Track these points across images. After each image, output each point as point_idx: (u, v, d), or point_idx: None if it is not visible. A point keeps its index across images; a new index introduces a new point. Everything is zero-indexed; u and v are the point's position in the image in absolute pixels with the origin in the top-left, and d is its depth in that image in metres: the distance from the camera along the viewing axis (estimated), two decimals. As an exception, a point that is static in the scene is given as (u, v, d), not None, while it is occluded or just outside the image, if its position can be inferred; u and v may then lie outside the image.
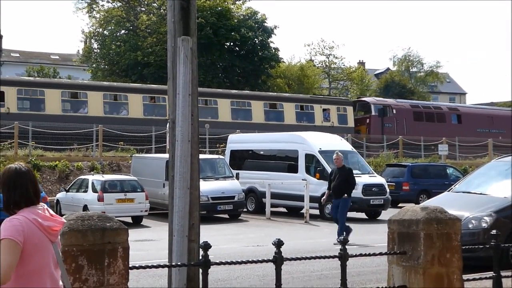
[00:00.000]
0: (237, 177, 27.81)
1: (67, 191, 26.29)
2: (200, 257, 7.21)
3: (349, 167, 20.08)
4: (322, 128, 41.13)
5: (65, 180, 31.35)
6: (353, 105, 49.01)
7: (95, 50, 61.79)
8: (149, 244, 18.40)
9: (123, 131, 36.42)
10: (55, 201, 26.69)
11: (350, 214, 26.55)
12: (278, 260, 7.58)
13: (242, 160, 30.82)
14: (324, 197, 20.09)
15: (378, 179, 27.41)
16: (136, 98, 40.64)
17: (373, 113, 48.40)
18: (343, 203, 18.68)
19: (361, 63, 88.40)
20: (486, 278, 9.42)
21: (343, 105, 48.08)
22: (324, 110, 46.74)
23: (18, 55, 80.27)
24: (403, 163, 35.85)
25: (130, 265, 6.40)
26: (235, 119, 42.99)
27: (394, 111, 48.91)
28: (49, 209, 4.81)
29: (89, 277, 6.06)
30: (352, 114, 47.77)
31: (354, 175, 19.57)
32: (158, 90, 41.86)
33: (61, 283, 4.85)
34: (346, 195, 18.73)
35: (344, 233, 17.50)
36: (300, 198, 25.96)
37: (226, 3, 57.50)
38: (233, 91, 46.58)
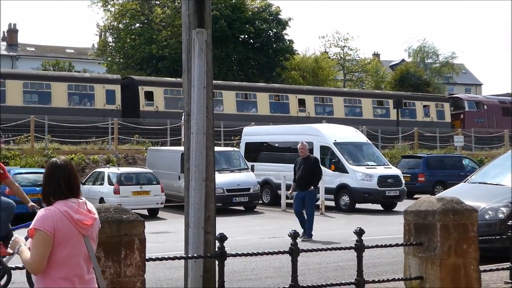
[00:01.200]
0: (252, 169, 27.82)
1: (83, 184, 26.39)
2: (216, 249, 7.23)
3: (315, 157, 19.10)
4: (423, 124, 47.01)
5: (81, 173, 31.47)
6: (449, 101, 51.78)
7: (110, 44, 61.89)
8: (165, 236, 18.45)
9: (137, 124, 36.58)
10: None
11: (366, 206, 26.62)
12: (294, 251, 7.59)
13: (257, 152, 30.82)
14: (290, 189, 18.72)
15: (394, 171, 27.35)
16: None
17: (466, 109, 51.27)
18: (310, 195, 17.62)
19: (376, 55, 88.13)
20: (503, 269, 9.40)
21: (440, 101, 51.48)
22: (424, 106, 49.83)
23: (33, 49, 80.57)
24: (418, 155, 35.75)
25: (146, 257, 6.42)
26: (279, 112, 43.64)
27: (485, 107, 51.77)
28: (87, 203, 4.95)
29: (106, 269, 6.09)
30: (448, 110, 50.78)
31: (321, 165, 18.74)
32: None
33: (94, 278, 4.95)
34: (312, 187, 17.65)
35: (303, 228, 17.08)
36: (316, 190, 25.92)
37: (240, -5, 57.45)
38: (273, 85, 48.09)
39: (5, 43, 79.09)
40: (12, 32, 79.84)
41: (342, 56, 76.16)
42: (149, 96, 40.33)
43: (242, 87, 45.03)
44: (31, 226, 4.71)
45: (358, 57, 77.56)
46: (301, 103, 45.39)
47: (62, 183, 4.86)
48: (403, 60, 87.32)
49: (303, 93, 46.41)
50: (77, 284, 4.78)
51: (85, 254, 4.87)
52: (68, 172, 4.92)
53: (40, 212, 4.76)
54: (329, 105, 46.59)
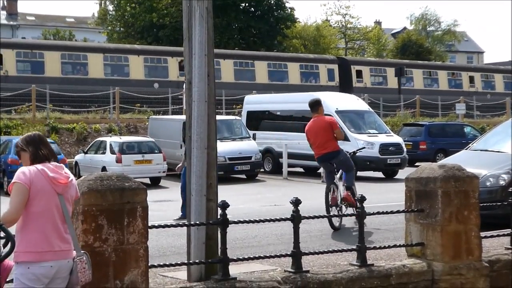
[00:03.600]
0: (254, 138, 27.84)
1: (86, 153, 26.45)
2: (219, 216, 7.27)
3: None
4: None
5: (83, 142, 31.51)
6: None
7: (110, 13, 61.58)
8: (168, 205, 18.52)
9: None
10: (73, 163, 26.87)
11: (368, 174, 26.64)
12: (296, 218, 7.62)
13: (259, 120, 30.79)
14: (181, 164, 16.47)
15: (395, 139, 27.35)
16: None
17: None
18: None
19: (378, 23, 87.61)
20: (503, 235, 9.45)
21: None
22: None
23: (33, 18, 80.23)
24: (420, 123, 35.71)
25: (149, 225, 6.46)
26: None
27: None
28: (65, 168, 5.61)
29: (109, 236, 6.13)
30: None
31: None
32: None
33: (69, 237, 5.47)
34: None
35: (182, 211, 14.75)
36: (317, 158, 25.96)
37: (241, -37, 57.04)
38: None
39: (4, 12, 78.74)
40: (12, 1, 79.45)
41: (344, 24, 75.81)
42: None
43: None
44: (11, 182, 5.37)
45: (360, 25, 77.25)
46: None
47: (40, 150, 5.58)
48: (405, 28, 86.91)
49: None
50: (55, 240, 5.29)
51: (60, 214, 5.39)
52: (42, 141, 5.68)
53: (19, 170, 5.43)
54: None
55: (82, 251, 5.62)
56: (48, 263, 5.28)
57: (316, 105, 15.04)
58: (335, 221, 12.92)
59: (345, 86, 44.88)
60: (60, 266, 5.41)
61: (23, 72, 37.44)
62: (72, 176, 5.64)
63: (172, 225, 7.27)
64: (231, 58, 43.32)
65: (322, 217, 8.22)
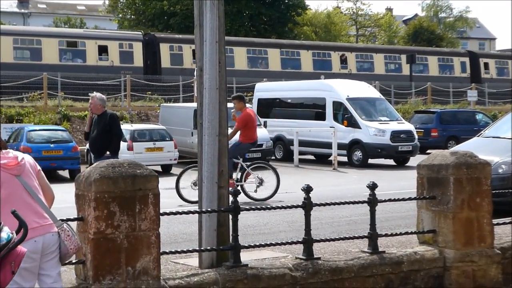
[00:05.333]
0: (265, 125, 27.83)
1: (96, 140, 26.49)
2: (230, 203, 7.28)
3: (113, 113, 13.83)
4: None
5: (94, 130, 31.57)
6: None
7: (121, 0, 61.57)
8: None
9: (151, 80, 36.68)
10: (85, 150, 26.93)
11: (379, 161, 26.62)
12: (307, 205, 7.62)
13: (270, 108, 30.79)
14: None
15: (407, 126, 27.30)
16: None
17: None
18: None
19: (389, 9, 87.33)
20: (515, 222, 9.41)
21: None
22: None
23: (45, 6, 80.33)
24: (431, 110, 35.61)
25: (161, 212, 6.47)
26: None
27: None
28: (11, 151, 5.72)
29: (121, 223, 6.14)
30: None
31: (122, 124, 14.89)
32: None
33: (44, 213, 5.62)
34: (108, 152, 13.16)
35: None
36: (328, 145, 25.98)
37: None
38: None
39: (16, 0, 78.83)
40: (23, -11, 79.58)
41: (355, 11, 75.58)
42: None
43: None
44: None
45: (371, 11, 77.03)
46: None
47: None
48: (416, 15, 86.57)
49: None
50: (30, 217, 5.39)
51: (27, 193, 5.55)
52: None
53: None
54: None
55: (60, 221, 5.70)
56: (31, 239, 5.33)
57: (244, 98, 16.72)
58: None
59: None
60: (45, 240, 5.49)
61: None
62: (21, 155, 5.72)
63: (183, 212, 7.28)
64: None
65: (334, 204, 8.20)
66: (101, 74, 36.96)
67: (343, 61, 47.11)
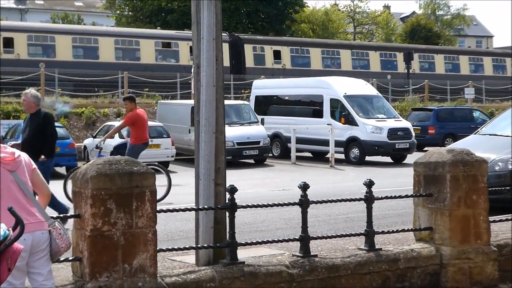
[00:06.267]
0: (262, 123, 27.83)
1: (94, 137, 26.47)
2: (227, 201, 7.28)
3: (47, 112, 12.93)
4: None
5: (91, 126, 31.58)
6: None
7: (118, -3, 61.54)
8: (176, 189, 18.51)
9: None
10: (82, 147, 26.93)
11: (376, 159, 26.63)
12: (304, 203, 7.63)
13: (267, 105, 30.79)
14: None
15: (404, 123, 27.31)
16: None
17: None
18: (42, 168, 9.07)
19: (386, 7, 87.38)
20: (512, 219, 9.42)
21: None
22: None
23: (42, 2, 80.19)
24: (428, 107, 35.63)
25: (157, 209, 6.48)
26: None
27: None
28: (8, 147, 5.74)
29: (117, 220, 6.15)
30: None
31: (54, 124, 12.82)
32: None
33: (35, 210, 5.62)
34: (43, 156, 12.02)
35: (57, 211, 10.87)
36: (325, 142, 25.99)
37: None
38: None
39: (13, -4, 78.73)
40: (21, -15, 79.45)
41: (352, 9, 75.55)
42: None
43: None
44: None
45: (368, 9, 77.03)
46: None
47: None
48: (413, 12, 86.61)
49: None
50: (24, 215, 5.30)
51: (20, 190, 5.53)
52: None
53: None
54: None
55: (52, 219, 5.71)
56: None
57: (134, 99, 17.11)
58: None
59: None
60: (34, 238, 5.48)
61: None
62: (19, 153, 5.72)
63: (180, 209, 7.29)
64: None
65: (330, 201, 8.21)
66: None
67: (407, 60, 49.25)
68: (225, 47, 41.26)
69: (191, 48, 40.29)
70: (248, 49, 44.16)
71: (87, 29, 45.24)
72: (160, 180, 15.20)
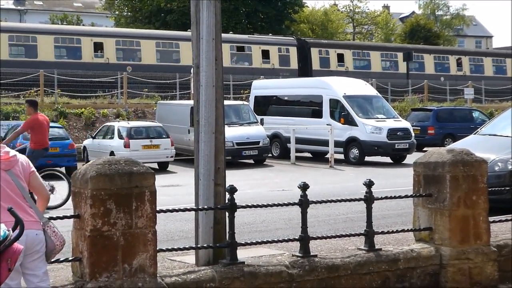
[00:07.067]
0: (262, 123, 27.84)
1: (94, 138, 26.51)
2: (227, 201, 7.28)
3: None
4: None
5: (91, 127, 31.59)
6: None
7: (117, -3, 61.50)
8: (175, 189, 18.56)
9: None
10: (82, 147, 26.93)
11: (376, 159, 26.63)
12: (303, 203, 7.62)
13: (267, 106, 30.79)
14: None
15: (403, 123, 27.31)
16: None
17: None
18: None
19: (386, 7, 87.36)
20: (512, 220, 9.42)
21: None
22: None
23: (41, 3, 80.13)
24: (428, 107, 35.65)
25: (157, 209, 6.47)
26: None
27: None
28: (5, 147, 5.74)
29: (117, 221, 6.14)
30: None
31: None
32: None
33: (30, 209, 5.62)
34: None
35: None
36: (325, 143, 25.98)
37: None
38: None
39: (12, -3, 78.67)
40: (20, -14, 79.37)
41: (352, 9, 75.53)
42: None
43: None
44: None
45: (368, 9, 77.09)
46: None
47: None
48: (413, 13, 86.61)
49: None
50: (20, 214, 5.25)
51: (14, 188, 5.53)
52: None
53: None
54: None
55: (46, 218, 5.72)
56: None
57: (37, 104, 16.67)
58: None
59: None
60: (29, 237, 5.44)
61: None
62: (14, 153, 5.73)
63: (180, 210, 7.28)
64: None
65: (330, 201, 8.20)
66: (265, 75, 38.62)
67: (459, 64, 51.74)
68: (293, 50, 44.77)
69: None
70: (314, 52, 46.12)
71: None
72: (62, 187, 15.25)
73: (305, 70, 44.66)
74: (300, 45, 45.96)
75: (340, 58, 46.99)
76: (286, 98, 30.53)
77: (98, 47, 39.45)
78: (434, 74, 49.42)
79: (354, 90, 27.73)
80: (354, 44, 50.93)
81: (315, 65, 45.67)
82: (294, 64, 44.90)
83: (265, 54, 44.47)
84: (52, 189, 14.83)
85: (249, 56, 44.25)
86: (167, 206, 9.47)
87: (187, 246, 7.39)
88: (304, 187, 7.59)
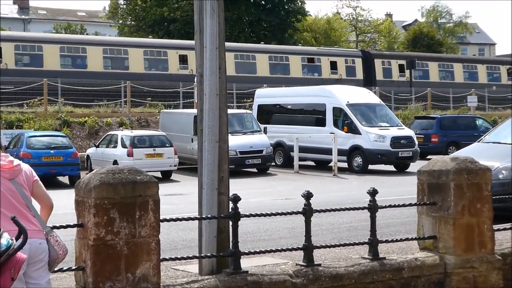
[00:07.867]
0: (265, 132, 27.84)
1: (97, 146, 26.52)
2: (230, 210, 7.26)
3: None
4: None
5: (94, 136, 31.61)
6: None
7: (121, 6, 61.62)
8: (179, 198, 18.55)
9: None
10: (85, 156, 26.95)
11: (379, 167, 26.60)
12: (307, 212, 7.60)
13: (270, 114, 30.81)
14: None
15: (407, 132, 27.30)
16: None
17: None
18: None
19: (389, 15, 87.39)
20: (516, 228, 9.39)
21: None
22: None
23: (45, 12, 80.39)
24: (431, 115, 35.63)
25: (160, 218, 6.45)
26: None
27: None
28: (9, 156, 5.74)
29: (121, 230, 6.13)
30: None
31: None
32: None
33: (34, 219, 5.62)
34: None
35: None
36: (328, 151, 25.97)
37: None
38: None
39: (16, 6, 78.88)
40: (24, -5, 79.58)
41: (355, 17, 75.64)
42: None
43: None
44: None
45: (371, 17, 77.09)
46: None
47: None
48: (416, 20, 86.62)
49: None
50: (23, 223, 5.25)
51: (18, 197, 5.53)
52: None
53: None
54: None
55: (49, 227, 5.72)
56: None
57: None
58: None
59: None
60: (32, 246, 5.44)
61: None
62: (18, 162, 5.74)
63: (184, 219, 7.26)
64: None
65: (334, 210, 8.18)
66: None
67: (510, 73, 53.55)
68: (358, 62, 46.72)
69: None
70: (377, 63, 48.29)
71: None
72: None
73: (369, 80, 46.47)
74: (365, 56, 48.19)
75: (401, 68, 48.67)
76: (289, 106, 30.55)
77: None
78: (486, 83, 51.04)
79: (357, 98, 27.73)
80: (413, 55, 52.45)
81: (379, 75, 47.80)
82: (359, 74, 46.83)
83: (333, 65, 46.23)
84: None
85: (318, 68, 46.16)
86: (170, 215, 9.45)
87: (190, 255, 7.37)
88: (307, 195, 7.57)
